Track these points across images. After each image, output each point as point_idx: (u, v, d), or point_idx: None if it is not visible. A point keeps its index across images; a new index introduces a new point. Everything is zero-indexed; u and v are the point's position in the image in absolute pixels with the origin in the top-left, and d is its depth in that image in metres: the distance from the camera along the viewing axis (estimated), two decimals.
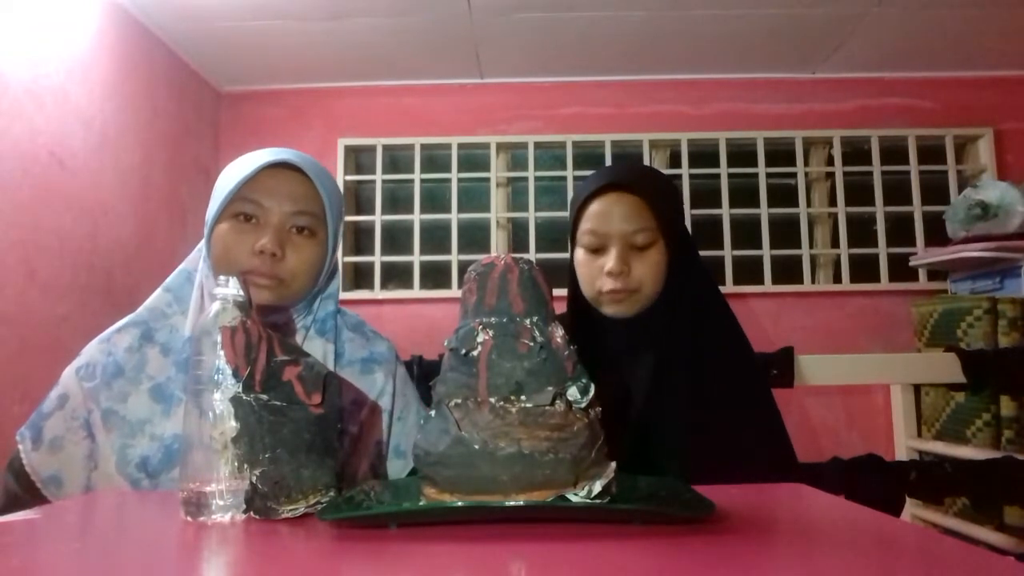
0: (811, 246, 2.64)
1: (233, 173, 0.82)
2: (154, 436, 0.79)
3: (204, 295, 0.82)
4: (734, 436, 0.82)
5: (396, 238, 2.73)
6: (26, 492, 0.77)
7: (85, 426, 0.79)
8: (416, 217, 2.69)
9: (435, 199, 2.74)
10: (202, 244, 0.85)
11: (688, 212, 2.64)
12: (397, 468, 0.90)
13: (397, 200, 2.76)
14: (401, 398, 0.92)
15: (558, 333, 0.57)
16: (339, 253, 0.94)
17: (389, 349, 0.94)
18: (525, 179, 2.71)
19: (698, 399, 0.84)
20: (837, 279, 2.64)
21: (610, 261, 0.85)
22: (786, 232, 2.65)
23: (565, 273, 0.95)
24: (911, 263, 2.53)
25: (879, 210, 2.63)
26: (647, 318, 0.87)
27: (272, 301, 0.81)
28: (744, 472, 0.70)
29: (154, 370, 0.81)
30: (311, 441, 0.59)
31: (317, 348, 0.86)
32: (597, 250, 0.87)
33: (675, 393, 0.84)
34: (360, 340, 0.92)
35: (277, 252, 0.79)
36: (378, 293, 2.66)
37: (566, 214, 0.96)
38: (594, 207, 0.87)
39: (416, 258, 2.67)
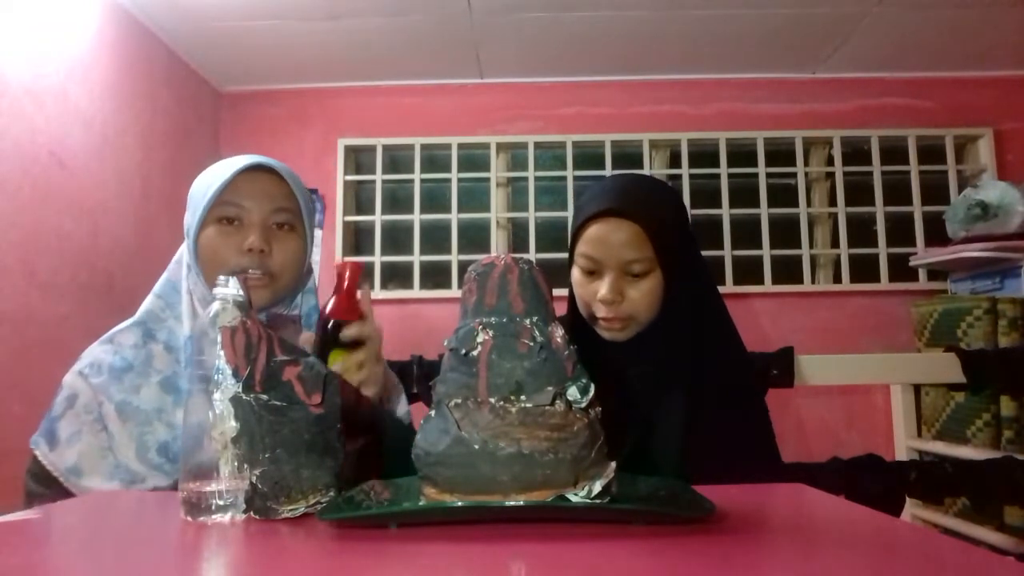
0: (811, 246, 2.64)
1: (209, 180, 0.85)
2: (170, 424, 0.82)
3: (195, 300, 0.86)
4: (725, 445, 0.83)
5: (396, 238, 2.73)
6: (49, 488, 0.78)
7: (99, 419, 0.81)
8: (416, 217, 2.69)
9: (435, 199, 2.74)
10: (182, 252, 0.89)
11: (688, 212, 2.64)
12: None
13: (397, 200, 2.76)
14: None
15: (558, 333, 0.57)
16: (315, 255, 0.99)
17: None
18: (525, 179, 2.71)
19: (695, 411, 0.84)
20: (837, 279, 2.64)
21: (603, 288, 0.84)
22: (786, 232, 2.65)
23: (565, 273, 0.95)
24: (911, 263, 2.53)
25: (879, 210, 2.63)
26: (643, 340, 0.87)
27: (267, 299, 0.86)
28: (728, 475, 0.70)
29: (161, 365, 0.84)
30: (311, 441, 0.59)
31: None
32: (592, 272, 0.86)
33: (672, 405, 0.84)
34: None
35: (264, 248, 0.83)
36: (378, 293, 2.65)
37: (566, 214, 0.95)
38: (592, 231, 0.85)
39: (416, 258, 2.67)
